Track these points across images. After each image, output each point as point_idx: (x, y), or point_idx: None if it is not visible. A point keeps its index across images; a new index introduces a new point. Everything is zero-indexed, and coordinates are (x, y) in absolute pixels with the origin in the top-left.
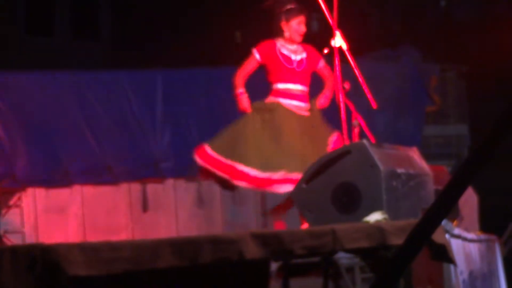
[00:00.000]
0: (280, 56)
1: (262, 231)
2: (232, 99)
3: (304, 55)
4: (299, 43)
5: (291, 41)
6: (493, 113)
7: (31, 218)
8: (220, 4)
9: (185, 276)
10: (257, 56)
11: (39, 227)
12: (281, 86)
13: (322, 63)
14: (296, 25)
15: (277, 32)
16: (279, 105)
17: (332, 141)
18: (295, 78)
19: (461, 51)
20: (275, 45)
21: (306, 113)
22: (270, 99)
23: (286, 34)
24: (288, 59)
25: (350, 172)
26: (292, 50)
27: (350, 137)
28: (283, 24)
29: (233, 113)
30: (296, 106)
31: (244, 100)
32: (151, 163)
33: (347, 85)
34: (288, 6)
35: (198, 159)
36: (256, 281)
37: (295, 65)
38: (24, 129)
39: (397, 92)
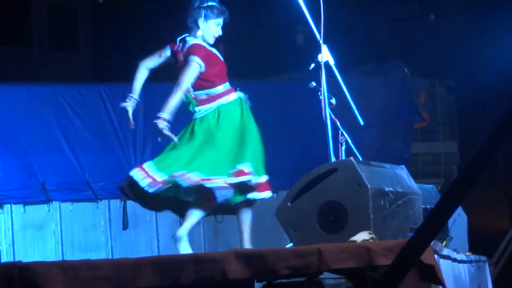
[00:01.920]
0: (217, 56)
1: (246, 250)
2: None
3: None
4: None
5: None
6: (483, 130)
7: (8, 235)
8: None
9: None
10: (201, 64)
11: (16, 244)
12: (223, 86)
13: None
14: (214, 27)
15: (191, 28)
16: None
17: None
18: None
19: (450, 65)
20: (204, 46)
21: None
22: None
23: (199, 32)
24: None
25: (336, 190)
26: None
27: (336, 154)
28: (200, 21)
29: None
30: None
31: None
32: None
33: (333, 101)
34: (210, 3)
35: None
36: None
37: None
38: (0, 143)
39: (385, 108)
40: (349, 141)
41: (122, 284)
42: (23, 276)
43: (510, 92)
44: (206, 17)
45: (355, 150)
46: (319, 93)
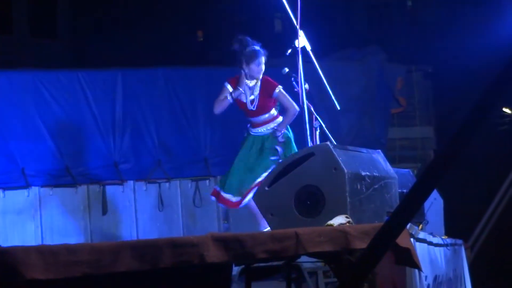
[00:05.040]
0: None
1: (224, 235)
2: (192, 100)
3: (257, 92)
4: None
5: (251, 77)
6: (459, 115)
7: None
8: (181, 3)
9: (146, 280)
10: (228, 87)
11: None
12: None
13: (276, 92)
14: (255, 67)
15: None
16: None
17: None
18: (253, 114)
19: (427, 52)
20: (237, 81)
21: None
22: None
23: (247, 72)
24: (243, 104)
25: (313, 174)
26: (249, 88)
27: (312, 139)
28: (244, 66)
29: (193, 115)
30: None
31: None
32: (110, 164)
33: (306, 86)
34: (248, 51)
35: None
36: (218, 285)
37: (249, 106)
38: None
39: (362, 93)
40: (323, 125)
41: (101, 268)
42: (2, 261)
43: (486, 78)
44: (247, 63)
45: (329, 135)
46: (293, 78)
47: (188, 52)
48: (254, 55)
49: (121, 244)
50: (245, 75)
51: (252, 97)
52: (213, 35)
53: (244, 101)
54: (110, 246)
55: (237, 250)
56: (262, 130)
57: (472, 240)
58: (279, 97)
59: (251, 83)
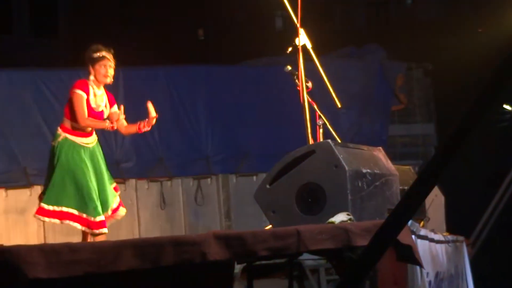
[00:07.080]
0: (89, 102)
1: (225, 232)
2: (193, 99)
3: (104, 102)
4: (104, 85)
5: (98, 82)
6: (460, 111)
7: None
8: (182, 2)
9: (147, 278)
10: (82, 93)
11: None
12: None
13: (114, 108)
14: (102, 69)
15: (89, 74)
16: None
17: None
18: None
19: (427, 49)
20: (88, 86)
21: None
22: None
23: (92, 77)
24: (92, 109)
25: (314, 172)
26: (98, 96)
27: (314, 136)
28: (90, 69)
29: (194, 113)
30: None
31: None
32: (112, 163)
33: (309, 84)
34: (94, 54)
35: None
36: (220, 283)
37: (104, 115)
38: None
39: (362, 90)
40: (327, 123)
41: (103, 266)
42: (4, 260)
43: (486, 74)
44: (93, 65)
45: (333, 133)
46: (295, 76)
47: (189, 50)
48: (100, 57)
49: (122, 243)
50: (93, 80)
51: (101, 108)
52: (214, 34)
53: (96, 110)
54: (112, 245)
55: (239, 248)
56: (93, 140)
57: (473, 236)
58: (114, 113)
59: (98, 91)
